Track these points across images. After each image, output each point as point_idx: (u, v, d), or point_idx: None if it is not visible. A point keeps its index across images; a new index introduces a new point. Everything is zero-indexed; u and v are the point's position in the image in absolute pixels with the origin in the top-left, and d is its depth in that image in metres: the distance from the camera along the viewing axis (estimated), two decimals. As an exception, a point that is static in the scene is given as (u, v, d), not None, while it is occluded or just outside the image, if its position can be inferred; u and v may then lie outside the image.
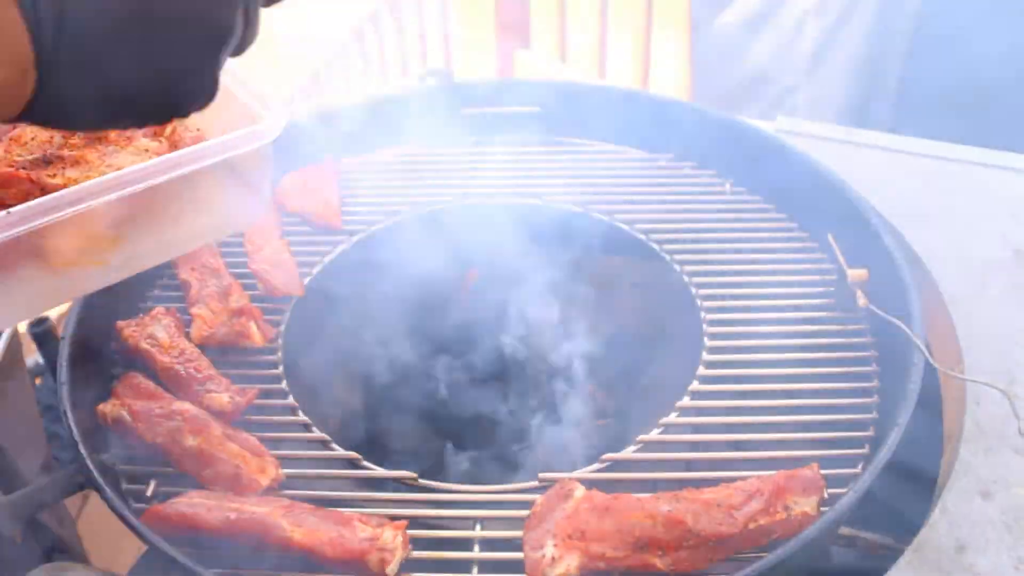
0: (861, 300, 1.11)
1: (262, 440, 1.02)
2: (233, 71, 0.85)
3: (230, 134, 0.83)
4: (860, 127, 1.51)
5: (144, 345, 1.11)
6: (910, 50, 1.96)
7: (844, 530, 1.08)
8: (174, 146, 0.87)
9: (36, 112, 0.61)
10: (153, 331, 1.13)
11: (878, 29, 2.07)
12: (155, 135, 0.88)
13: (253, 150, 0.84)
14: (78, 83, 0.60)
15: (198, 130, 0.88)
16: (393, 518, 0.93)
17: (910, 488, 1.07)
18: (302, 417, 1.09)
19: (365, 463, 1.03)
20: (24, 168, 0.79)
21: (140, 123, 0.69)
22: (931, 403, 1.10)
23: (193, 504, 0.93)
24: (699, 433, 1.07)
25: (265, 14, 0.68)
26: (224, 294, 1.20)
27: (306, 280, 1.27)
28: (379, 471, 1.03)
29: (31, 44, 0.57)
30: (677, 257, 1.26)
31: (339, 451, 1.05)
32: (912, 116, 1.88)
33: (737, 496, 0.89)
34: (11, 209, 0.72)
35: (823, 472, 0.93)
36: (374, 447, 1.22)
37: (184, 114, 0.67)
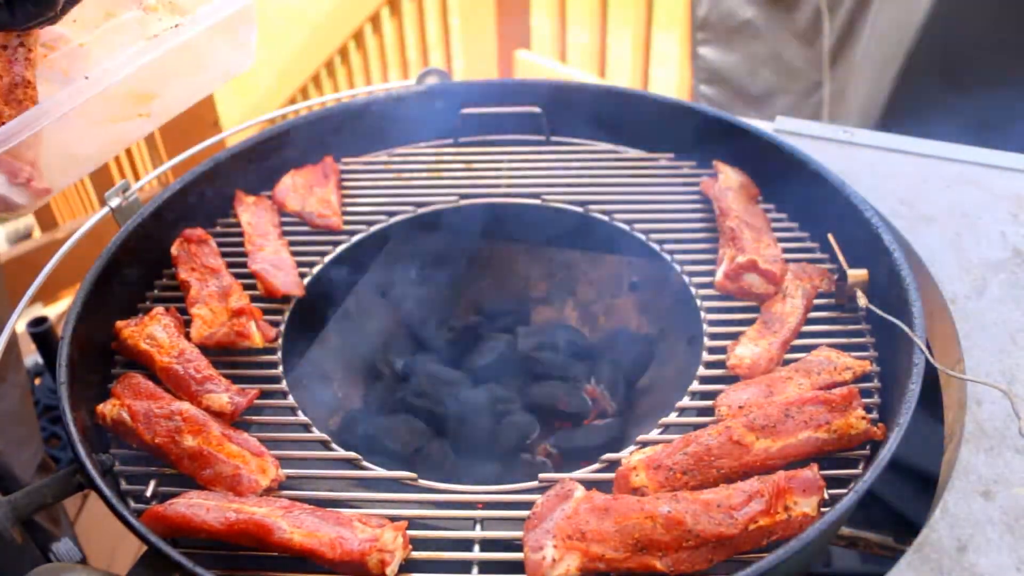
0: (861, 300, 1.11)
1: (262, 440, 1.02)
2: None
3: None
4: (870, 127, 1.50)
5: (143, 345, 1.11)
6: (922, 47, 1.93)
7: (845, 530, 1.08)
8: None
9: None
10: (152, 331, 1.12)
11: (894, 26, 2.04)
12: None
13: (240, 9, 1.10)
14: None
15: None
16: (393, 519, 0.93)
17: (911, 488, 1.07)
18: (302, 417, 1.09)
19: (365, 463, 1.03)
20: None
21: None
22: (932, 403, 1.10)
23: (192, 505, 0.93)
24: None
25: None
26: (224, 294, 1.20)
27: (306, 280, 1.27)
28: (379, 471, 1.03)
29: None
30: (677, 257, 1.26)
31: (339, 451, 1.04)
32: (932, 113, 1.86)
33: (737, 497, 0.89)
34: (88, 76, 0.99)
35: (823, 473, 0.92)
36: (374, 447, 1.22)
37: None
